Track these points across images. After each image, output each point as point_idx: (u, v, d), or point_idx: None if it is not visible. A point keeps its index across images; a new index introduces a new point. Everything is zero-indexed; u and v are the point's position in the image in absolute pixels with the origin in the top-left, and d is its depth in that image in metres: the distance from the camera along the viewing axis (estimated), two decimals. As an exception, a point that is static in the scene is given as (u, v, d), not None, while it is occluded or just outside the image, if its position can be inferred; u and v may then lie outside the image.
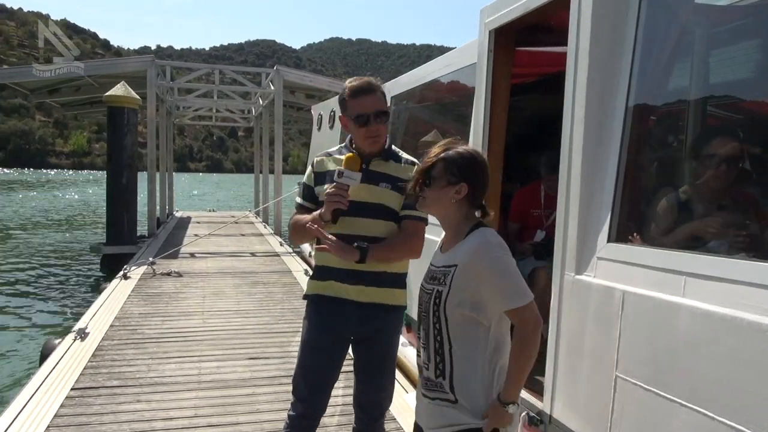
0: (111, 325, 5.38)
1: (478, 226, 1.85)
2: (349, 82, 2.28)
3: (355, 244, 2.17)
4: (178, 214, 18.65)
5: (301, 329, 2.42)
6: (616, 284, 2.19)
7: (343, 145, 2.37)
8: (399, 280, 2.36)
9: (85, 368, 4.22)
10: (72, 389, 3.82)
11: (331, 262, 2.26)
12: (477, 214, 1.89)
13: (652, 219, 2.26)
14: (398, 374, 4.18)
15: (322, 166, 2.35)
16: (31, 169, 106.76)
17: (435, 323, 1.83)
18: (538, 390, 2.96)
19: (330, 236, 2.15)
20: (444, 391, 1.82)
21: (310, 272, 2.49)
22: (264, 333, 5.39)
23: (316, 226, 2.16)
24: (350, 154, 2.25)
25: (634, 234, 2.21)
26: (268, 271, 8.67)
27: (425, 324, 1.87)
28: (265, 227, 15.20)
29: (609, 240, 2.29)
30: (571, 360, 2.45)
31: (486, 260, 1.75)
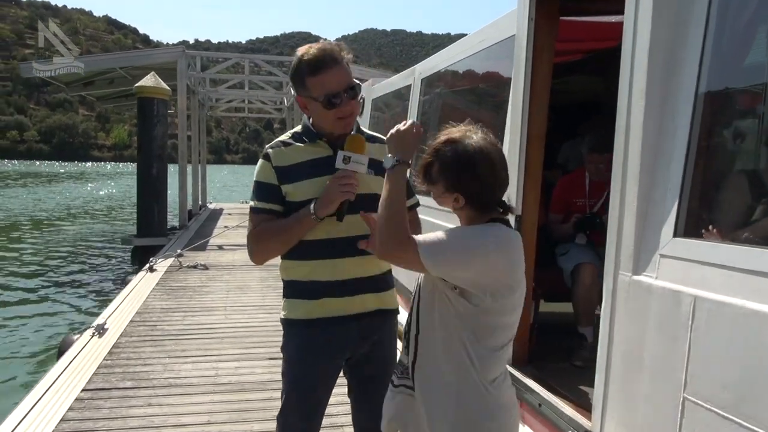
0: (131, 321, 5.22)
1: (495, 221, 1.58)
2: (305, 53, 1.80)
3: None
4: (211, 206, 18.69)
5: (285, 360, 1.99)
6: (684, 287, 1.81)
7: (297, 130, 1.97)
8: (391, 280, 2.05)
9: (99, 367, 4.03)
10: (83, 390, 3.62)
11: (322, 275, 1.89)
12: (499, 209, 1.61)
13: (733, 209, 1.87)
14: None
15: (284, 158, 1.89)
16: (75, 162, 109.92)
17: (415, 305, 1.65)
18: (584, 405, 2.60)
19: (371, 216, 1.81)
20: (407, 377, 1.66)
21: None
22: (288, 330, 5.13)
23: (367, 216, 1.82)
24: (354, 134, 1.90)
25: (710, 227, 1.83)
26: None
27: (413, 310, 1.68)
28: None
29: (675, 234, 1.91)
30: (627, 374, 2.08)
31: (469, 228, 1.56)
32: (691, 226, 1.89)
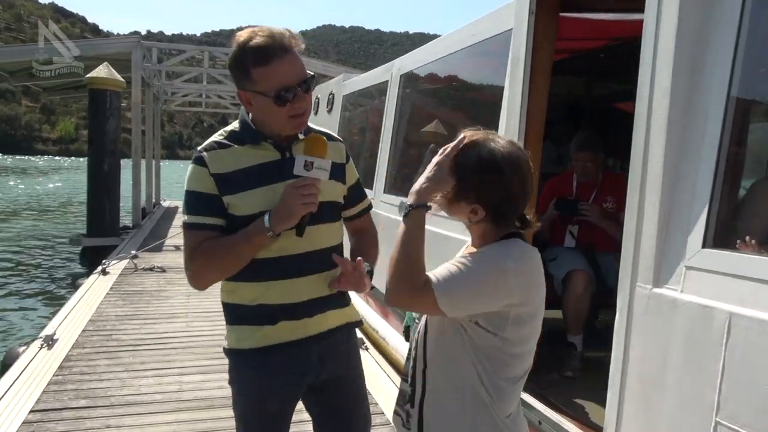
0: (84, 330, 4.82)
1: (513, 236, 1.39)
2: (248, 39, 1.52)
3: (366, 269, 1.68)
4: (165, 204, 18.00)
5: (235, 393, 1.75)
6: (717, 303, 1.66)
7: (234, 128, 1.67)
8: (348, 294, 1.85)
9: (49, 384, 3.66)
10: (31, 411, 3.26)
11: (272, 298, 1.64)
12: (517, 224, 1.42)
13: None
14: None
15: (223, 163, 1.60)
16: (17, 156, 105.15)
17: (420, 336, 1.46)
18: (588, 424, 2.46)
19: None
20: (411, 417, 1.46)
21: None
22: (255, 337, 4.85)
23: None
24: (314, 135, 1.65)
25: (747, 238, 1.69)
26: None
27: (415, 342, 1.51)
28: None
29: (705, 245, 1.76)
30: (646, 395, 1.93)
31: (484, 253, 1.35)
32: (722, 237, 1.75)
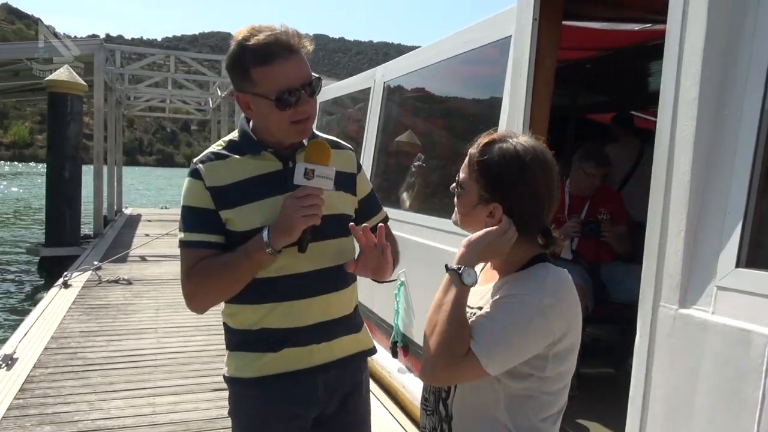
0: (46, 348, 4.52)
1: (541, 260, 1.24)
2: (249, 36, 1.40)
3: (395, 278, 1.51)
4: (127, 212, 17.48)
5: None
6: (755, 326, 1.57)
7: (233, 138, 1.55)
8: (360, 316, 1.71)
9: (9, 409, 3.39)
10: (-11, 440, 3.00)
11: (278, 321, 1.50)
12: (540, 240, 1.26)
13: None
14: (394, 409, 3.53)
15: (220, 175, 1.47)
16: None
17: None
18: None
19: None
20: None
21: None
22: (230, 354, 4.62)
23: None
24: (316, 140, 1.51)
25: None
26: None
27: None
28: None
29: (739, 264, 1.67)
30: (671, 422, 1.83)
31: (518, 295, 1.18)
32: (759, 256, 1.67)
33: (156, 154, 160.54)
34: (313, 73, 1.46)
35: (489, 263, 1.36)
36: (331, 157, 1.46)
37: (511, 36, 2.88)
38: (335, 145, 1.61)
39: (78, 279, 7.08)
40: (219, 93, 15.85)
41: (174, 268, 8.24)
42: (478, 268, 1.44)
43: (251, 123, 1.53)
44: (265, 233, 1.39)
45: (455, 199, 1.33)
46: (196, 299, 1.49)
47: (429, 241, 3.33)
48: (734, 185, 1.70)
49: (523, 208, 1.21)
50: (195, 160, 1.52)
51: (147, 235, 11.07)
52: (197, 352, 4.64)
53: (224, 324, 1.60)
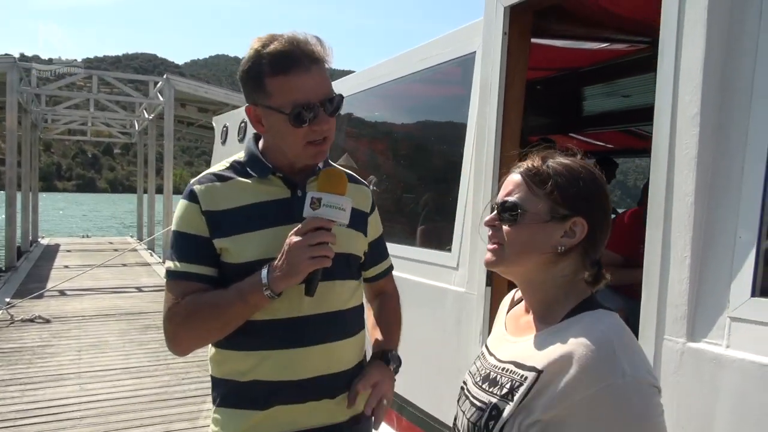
0: (-54, 403, 3.93)
1: (591, 306, 1.03)
2: (266, 43, 1.27)
3: (390, 363, 1.45)
4: (44, 242, 16.32)
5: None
6: (778, 362, 1.44)
7: (239, 159, 1.40)
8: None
9: None
10: None
11: (271, 373, 1.30)
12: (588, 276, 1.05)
13: None
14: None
15: (218, 199, 1.31)
16: None
17: None
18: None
19: None
20: None
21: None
22: (164, 399, 4.22)
23: None
24: (330, 168, 1.35)
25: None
26: (161, 311, 7.27)
27: None
28: (152, 255, 13.48)
29: (754, 293, 1.54)
30: (682, 468, 1.67)
31: (613, 396, 0.90)
32: (777, 284, 1.54)
33: (76, 179, 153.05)
34: (334, 90, 1.31)
35: (523, 298, 1.14)
36: (347, 188, 1.28)
37: (475, 52, 2.74)
38: (352, 179, 1.46)
39: (-14, 319, 6.37)
40: (146, 115, 15.13)
41: (95, 303, 7.61)
42: (504, 309, 1.22)
43: (260, 144, 1.39)
44: (264, 272, 1.21)
45: (495, 230, 1.08)
46: (177, 341, 1.32)
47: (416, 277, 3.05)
48: (744, 206, 1.58)
49: (602, 229, 1.04)
50: (193, 180, 1.37)
51: (67, 267, 10.27)
52: (126, 399, 4.19)
53: (211, 376, 1.39)
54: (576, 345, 0.94)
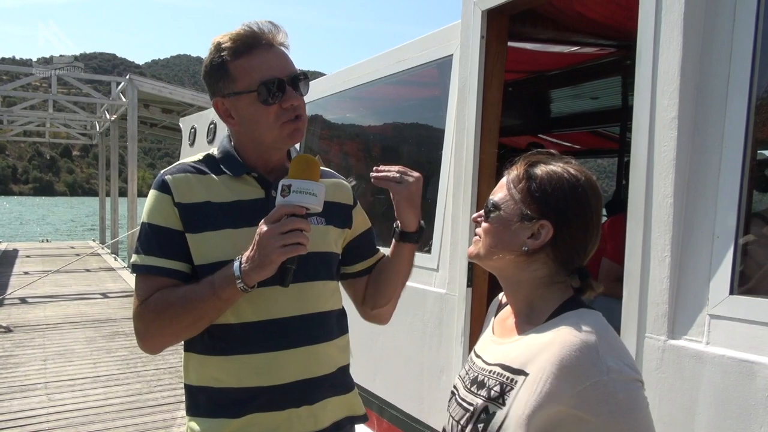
0: None
1: (574, 305, 1.04)
2: (226, 34, 1.27)
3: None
4: (2, 247, 15.67)
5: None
6: (757, 357, 1.49)
7: (213, 154, 1.36)
8: (351, 377, 1.46)
9: None
10: None
11: (249, 379, 1.25)
12: (574, 283, 1.06)
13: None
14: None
15: (192, 191, 1.27)
16: None
17: None
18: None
19: None
20: None
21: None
22: (137, 408, 4.12)
23: None
24: (303, 154, 1.29)
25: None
26: (129, 317, 7.12)
27: None
28: (116, 259, 13.15)
29: (732, 291, 1.59)
30: (665, 462, 1.71)
31: (599, 393, 0.92)
32: (755, 281, 1.59)
33: (33, 182, 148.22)
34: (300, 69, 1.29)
35: (507, 301, 1.15)
36: (318, 173, 1.21)
37: (452, 55, 2.76)
38: (329, 175, 1.46)
39: (-57, 330, 6.11)
40: (108, 116, 14.75)
41: (60, 310, 7.38)
42: (492, 313, 1.23)
43: (233, 142, 1.34)
44: (236, 264, 1.16)
45: (478, 228, 1.12)
46: (148, 338, 1.25)
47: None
48: (721, 207, 1.63)
49: (575, 235, 1.03)
50: (163, 171, 1.30)
51: (27, 273, 9.92)
52: (98, 408, 4.08)
53: (185, 384, 1.32)
54: (560, 345, 0.95)
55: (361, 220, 1.50)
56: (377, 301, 1.51)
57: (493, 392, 1.02)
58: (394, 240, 1.46)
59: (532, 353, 0.98)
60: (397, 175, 1.36)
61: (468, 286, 2.49)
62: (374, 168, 1.42)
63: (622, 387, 0.92)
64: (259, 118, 1.25)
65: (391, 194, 1.40)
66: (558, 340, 0.96)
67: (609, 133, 5.89)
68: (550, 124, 6.00)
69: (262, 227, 1.14)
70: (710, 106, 1.68)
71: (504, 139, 5.80)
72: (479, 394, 1.05)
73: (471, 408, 1.05)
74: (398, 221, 1.43)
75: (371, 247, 1.53)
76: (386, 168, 1.39)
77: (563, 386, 0.92)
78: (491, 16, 2.45)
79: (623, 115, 4.63)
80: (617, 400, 0.91)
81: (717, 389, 1.57)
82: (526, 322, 1.07)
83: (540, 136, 6.53)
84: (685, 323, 1.68)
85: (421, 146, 3.24)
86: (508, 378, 1.01)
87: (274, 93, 1.22)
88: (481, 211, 1.13)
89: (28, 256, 13.38)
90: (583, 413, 0.92)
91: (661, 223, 1.74)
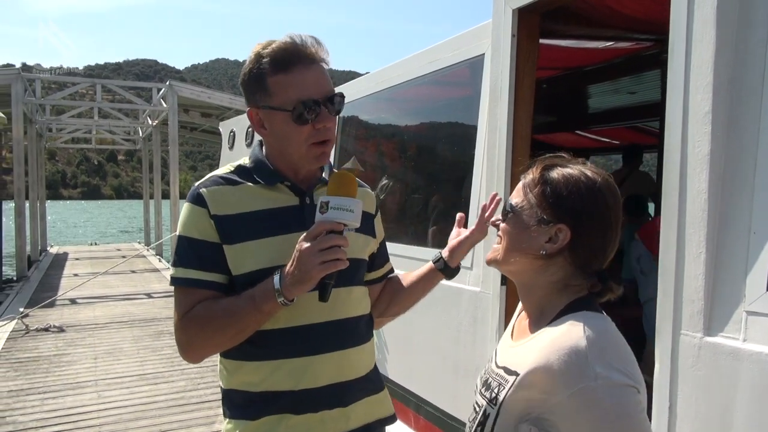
0: (-34, 414, 3.98)
1: (579, 307, 1.03)
2: (267, 45, 1.28)
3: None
4: (52, 251, 16.36)
5: None
6: (797, 355, 1.47)
7: (244, 164, 1.37)
8: (380, 376, 1.49)
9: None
10: None
11: (284, 383, 1.28)
12: (587, 286, 1.05)
13: None
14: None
15: (227, 202, 1.28)
16: None
17: None
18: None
19: None
20: None
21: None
22: (181, 405, 4.25)
23: None
24: (341, 171, 1.32)
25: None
26: (173, 316, 7.34)
27: None
28: (160, 261, 13.53)
29: (770, 288, 1.57)
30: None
31: (585, 399, 0.91)
32: (793, 277, 1.57)
33: (81, 187, 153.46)
34: (335, 89, 1.31)
35: (522, 307, 1.16)
36: (356, 190, 1.25)
37: (484, 54, 2.77)
38: (360, 185, 1.46)
39: (2, 330, 6.41)
40: (149, 122, 15.20)
41: (108, 310, 7.66)
42: (515, 315, 1.25)
43: (264, 150, 1.37)
44: (276, 279, 1.18)
45: (498, 229, 1.14)
46: (192, 349, 1.29)
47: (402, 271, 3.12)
48: (757, 202, 1.61)
49: (590, 239, 1.03)
50: (197, 183, 1.32)
51: (76, 275, 10.32)
52: (143, 405, 4.22)
53: (221, 388, 1.37)
54: (550, 349, 0.95)
55: (380, 230, 1.54)
56: (389, 310, 1.56)
57: (492, 394, 1.04)
58: (433, 265, 1.51)
59: (527, 356, 0.99)
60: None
61: (502, 284, 2.50)
62: (492, 198, 1.50)
63: (610, 393, 0.91)
64: (290, 135, 1.26)
65: (458, 230, 1.50)
66: (550, 345, 0.96)
67: (649, 128, 5.77)
68: (588, 120, 5.92)
69: (302, 244, 1.16)
70: (745, 100, 1.66)
71: (541, 136, 5.77)
72: (485, 396, 1.07)
73: (478, 410, 1.07)
74: (446, 253, 1.49)
75: (386, 255, 1.59)
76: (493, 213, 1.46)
77: (552, 390, 0.93)
78: (522, 15, 2.45)
79: (662, 109, 4.54)
80: (604, 407, 0.91)
81: (754, 387, 1.55)
82: (536, 325, 1.08)
83: (578, 132, 6.44)
84: (722, 320, 1.66)
85: (454, 146, 3.26)
86: (504, 380, 1.02)
87: (309, 113, 1.24)
88: (499, 215, 1.14)
89: (77, 259, 13.90)
90: (569, 419, 0.92)
91: (696, 219, 1.72)
